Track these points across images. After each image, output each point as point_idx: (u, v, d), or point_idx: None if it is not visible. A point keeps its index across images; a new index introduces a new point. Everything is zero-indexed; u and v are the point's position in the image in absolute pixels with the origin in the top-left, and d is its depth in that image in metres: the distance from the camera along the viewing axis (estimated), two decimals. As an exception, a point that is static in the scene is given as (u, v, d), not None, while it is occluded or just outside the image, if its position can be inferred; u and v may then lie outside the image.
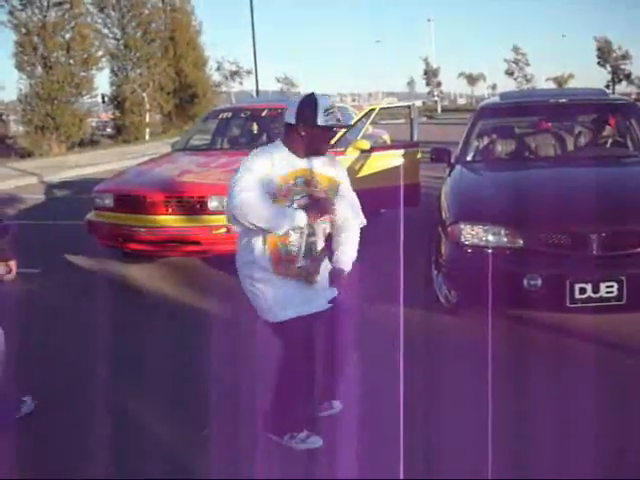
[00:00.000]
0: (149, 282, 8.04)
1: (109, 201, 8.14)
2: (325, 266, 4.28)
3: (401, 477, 3.35)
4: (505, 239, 5.43)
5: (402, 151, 9.53)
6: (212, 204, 7.49)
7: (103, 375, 5.31)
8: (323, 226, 4.20)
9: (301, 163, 4.04)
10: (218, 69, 57.46)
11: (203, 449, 4.20)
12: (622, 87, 76.87)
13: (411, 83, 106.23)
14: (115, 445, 4.22)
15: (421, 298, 6.43)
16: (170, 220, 7.69)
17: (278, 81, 79.61)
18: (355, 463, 3.88)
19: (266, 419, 4.31)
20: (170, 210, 7.71)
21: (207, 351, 5.55)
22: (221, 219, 7.41)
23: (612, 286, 5.08)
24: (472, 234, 5.51)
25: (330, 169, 4.18)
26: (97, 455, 4.12)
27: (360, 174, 8.96)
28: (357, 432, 4.21)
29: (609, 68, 77.23)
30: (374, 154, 9.21)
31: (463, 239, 5.54)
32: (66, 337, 6.29)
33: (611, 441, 4.02)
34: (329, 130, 4.05)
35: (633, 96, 55.82)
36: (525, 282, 5.21)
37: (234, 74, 61.21)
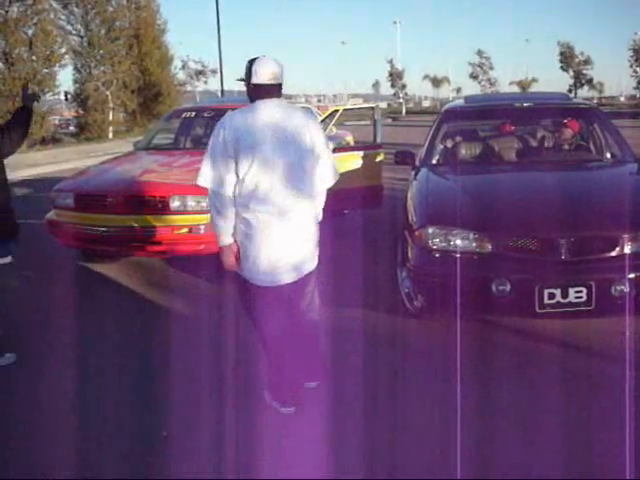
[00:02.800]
0: (109, 281, 7.90)
1: (69, 200, 7.96)
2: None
3: None
4: (474, 244, 5.36)
5: (365, 153, 9.48)
6: (174, 204, 7.36)
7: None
8: None
9: None
10: (183, 68, 57.11)
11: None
12: (584, 92, 77.96)
13: (376, 85, 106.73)
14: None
15: (385, 302, 6.39)
16: (131, 220, 7.53)
17: (243, 81, 79.28)
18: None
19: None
20: (131, 210, 7.55)
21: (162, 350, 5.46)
22: (183, 219, 7.31)
23: (581, 291, 5.04)
24: (440, 238, 5.44)
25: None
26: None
27: (323, 175, 8.84)
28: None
29: (572, 73, 78.17)
30: (337, 155, 9.09)
31: (431, 243, 5.47)
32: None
33: (575, 444, 3.98)
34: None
35: (595, 101, 56.46)
36: (493, 287, 5.14)
37: (199, 73, 60.84)
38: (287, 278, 4.43)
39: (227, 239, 4.42)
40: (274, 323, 4.48)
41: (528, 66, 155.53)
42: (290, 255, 4.41)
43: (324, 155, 4.58)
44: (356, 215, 10.46)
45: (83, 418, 4.54)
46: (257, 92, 4.42)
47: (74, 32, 39.64)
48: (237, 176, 4.29)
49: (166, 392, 4.88)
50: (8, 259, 5.57)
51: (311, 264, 4.58)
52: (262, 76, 4.38)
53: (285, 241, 4.38)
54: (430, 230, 5.50)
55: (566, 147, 7.89)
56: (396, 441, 4.13)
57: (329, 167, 4.65)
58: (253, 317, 4.64)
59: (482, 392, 4.68)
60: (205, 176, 4.37)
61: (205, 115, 10.48)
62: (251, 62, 4.44)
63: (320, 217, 4.74)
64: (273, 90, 4.43)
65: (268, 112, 4.39)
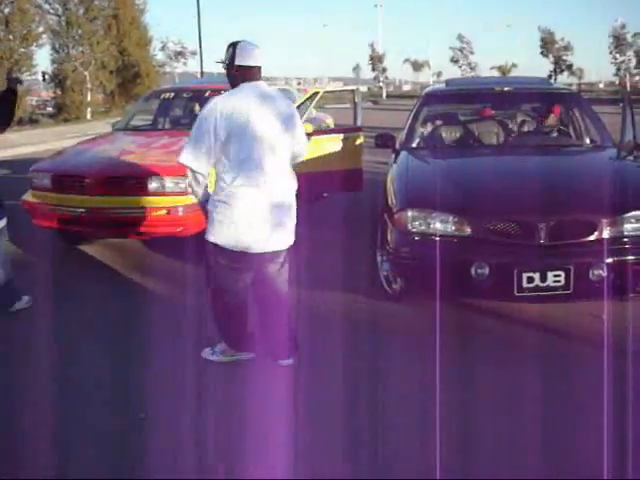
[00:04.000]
0: (86, 263, 7.86)
1: (46, 181, 7.87)
2: None
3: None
4: (453, 227, 5.36)
5: (345, 135, 9.46)
6: (152, 185, 7.30)
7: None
8: None
9: None
10: (162, 49, 56.62)
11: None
12: (564, 77, 78.14)
13: (357, 68, 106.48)
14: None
15: (364, 285, 6.39)
16: (109, 201, 7.46)
17: (223, 63, 78.84)
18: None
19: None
20: (109, 191, 7.47)
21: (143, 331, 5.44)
22: (161, 200, 7.26)
23: (559, 275, 5.05)
24: (419, 221, 5.43)
25: None
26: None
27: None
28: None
29: (552, 58, 78.29)
30: (317, 137, 9.10)
31: (410, 226, 5.46)
32: None
33: (552, 425, 4.01)
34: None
35: (574, 87, 56.64)
36: (473, 271, 5.15)
37: (178, 54, 60.34)
38: (257, 248, 4.63)
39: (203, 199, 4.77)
40: (228, 284, 4.78)
41: (509, 51, 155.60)
42: (266, 227, 4.59)
43: (302, 134, 4.92)
44: (336, 198, 10.44)
45: (58, 400, 4.52)
46: (242, 74, 4.64)
47: (52, 11, 39.20)
48: (227, 155, 4.50)
49: (144, 372, 4.87)
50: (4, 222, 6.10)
51: (284, 242, 4.75)
52: (247, 59, 4.62)
53: (264, 214, 4.57)
54: (410, 213, 5.49)
55: (546, 132, 7.91)
56: (375, 421, 4.13)
57: (304, 145, 4.96)
58: (209, 275, 4.87)
59: (460, 374, 4.70)
60: (187, 156, 4.57)
61: (184, 96, 10.42)
62: (234, 45, 4.66)
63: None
64: (256, 72, 4.65)
65: (257, 93, 4.60)
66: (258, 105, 4.55)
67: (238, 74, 4.64)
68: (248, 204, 4.53)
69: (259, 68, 4.67)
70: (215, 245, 4.66)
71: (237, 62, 4.62)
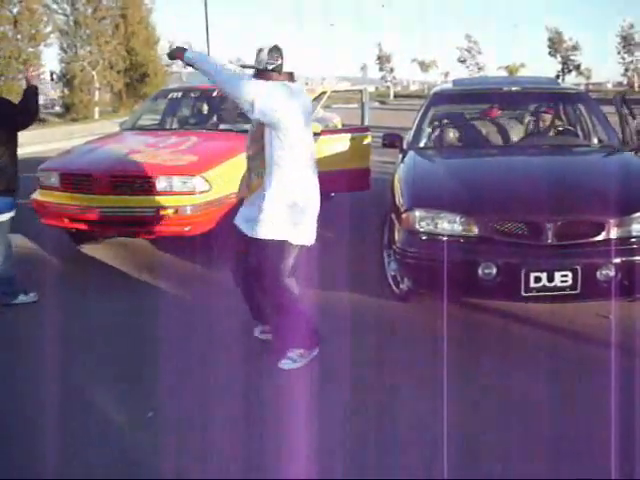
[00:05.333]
0: (94, 262, 7.87)
1: (55, 180, 7.89)
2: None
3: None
4: (460, 227, 5.35)
5: (353, 135, 9.47)
6: (160, 184, 7.31)
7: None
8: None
9: None
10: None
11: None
12: (572, 77, 77.88)
13: (364, 68, 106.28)
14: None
15: (371, 284, 6.39)
16: (117, 200, 7.48)
17: (231, 62, 78.98)
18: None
19: None
20: (117, 190, 7.50)
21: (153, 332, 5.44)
22: (169, 200, 7.27)
23: (567, 275, 5.04)
24: (427, 221, 5.43)
25: None
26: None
27: (311, 157, 8.86)
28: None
29: (559, 58, 78.11)
30: (325, 137, 9.12)
31: (417, 226, 5.46)
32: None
33: (560, 423, 4.03)
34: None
35: (582, 87, 56.50)
36: (480, 271, 5.14)
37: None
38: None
39: None
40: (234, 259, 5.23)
41: (516, 51, 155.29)
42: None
43: None
44: (343, 198, 10.44)
45: (66, 395, 4.53)
46: (275, 75, 4.82)
47: (60, 11, 39.30)
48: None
49: (154, 371, 4.88)
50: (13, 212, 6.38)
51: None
52: (277, 60, 4.85)
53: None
54: (417, 213, 5.49)
55: (554, 132, 7.90)
56: (382, 417, 4.16)
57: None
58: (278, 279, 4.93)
59: (467, 373, 4.71)
60: None
61: (192, 96, 10.43)
62: (271, 49, 4.84)
63: None
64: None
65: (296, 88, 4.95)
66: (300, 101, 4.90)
67: (273, 74, 4.83)
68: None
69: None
70: (284, 242, 4.78)
71: (272, 65, 4.82)
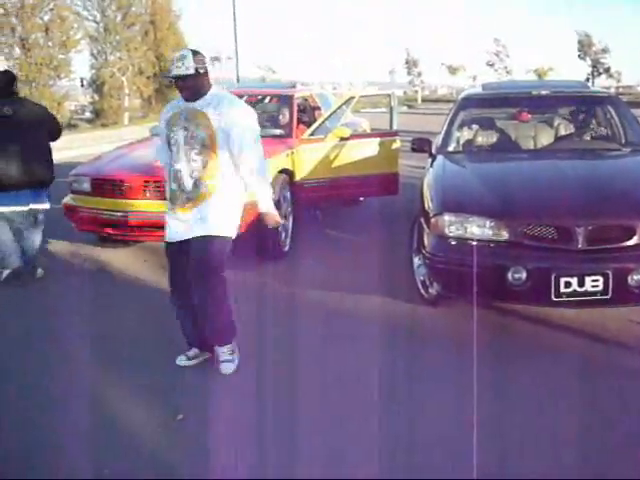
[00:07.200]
0: (126, 266, 7.92)
1: (86, 185, 7.98)
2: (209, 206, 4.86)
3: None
4: (490, 231, 5.34)
5: (381, 140, 9.47)
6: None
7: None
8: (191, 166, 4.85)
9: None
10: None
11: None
12: (601, 80, 77.30)
13: (392, 72, 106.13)
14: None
15: (401, 289, 6.39)
16: (148, 205, 7.55)
17: (259, 68, 79.35)
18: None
19: None
20: (148, 195, 7.57)
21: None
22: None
23: (598, 280, 5.00)
24: (456, 225, 5.43)
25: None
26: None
27: (339, 162, 8.93)
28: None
29: (589, 61, 77.58)
30: (353, 142, 9.15)
31: (447, 231, 5.45)
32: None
33: (591, 432, 3.99)
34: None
35: (612, 90, 56.14)
36: (509, 275, 5.12)
37: (214, 60, 60.74)
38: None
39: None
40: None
41: (545, 54, 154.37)
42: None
43: None
44: (372, 202, 10.44)
45: (94, 395, 4.58)
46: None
47: (90, 18, 39.65)
48: None
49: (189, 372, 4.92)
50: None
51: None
52: None
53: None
54: (446, 217, 5.49)
55: (585, 136, 7.85)
56: (414, 421, 4.18)
57: None
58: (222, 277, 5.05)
59: (498, 378, 4.71)
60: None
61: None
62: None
63: None
64: None
65: None
66: None
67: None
68: None
69: None
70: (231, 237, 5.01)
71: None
